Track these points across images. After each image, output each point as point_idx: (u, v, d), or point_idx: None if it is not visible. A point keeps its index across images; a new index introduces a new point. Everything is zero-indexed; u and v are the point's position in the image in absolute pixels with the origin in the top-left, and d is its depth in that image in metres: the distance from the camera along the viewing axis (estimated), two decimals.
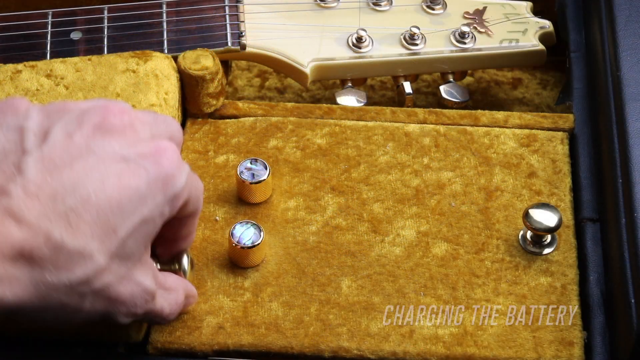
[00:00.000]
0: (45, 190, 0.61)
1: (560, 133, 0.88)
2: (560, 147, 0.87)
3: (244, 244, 0.78)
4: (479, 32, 0.94)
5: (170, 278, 0.72)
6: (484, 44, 0.93)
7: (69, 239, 0.61)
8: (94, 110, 0.66)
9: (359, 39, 0.92)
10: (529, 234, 0.81)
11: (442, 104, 0.93)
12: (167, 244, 0.73)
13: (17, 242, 0.60)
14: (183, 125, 0.89)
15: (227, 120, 0.89)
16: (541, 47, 0.94)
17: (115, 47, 0.89)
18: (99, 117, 0.65)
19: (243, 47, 0.91)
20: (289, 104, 0.90)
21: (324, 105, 0.90)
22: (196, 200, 0.70)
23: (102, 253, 0.63)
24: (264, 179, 0.82)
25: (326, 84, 1.02)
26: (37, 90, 0.85)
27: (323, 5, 0.95)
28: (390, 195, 0.84)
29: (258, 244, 0.78)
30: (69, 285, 0.62)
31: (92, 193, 0.62)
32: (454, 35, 0.93)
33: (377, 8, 0.95)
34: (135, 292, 0.66)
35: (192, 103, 0.88)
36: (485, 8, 0.96)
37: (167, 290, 0.71)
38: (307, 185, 0.84)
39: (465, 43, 0.93)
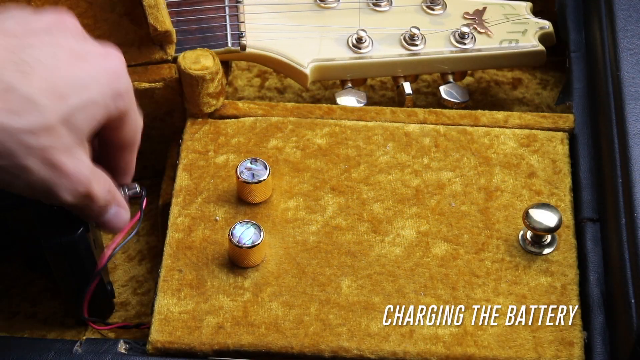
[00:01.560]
0: (1, 43, 0.66)
1: (560, 133, 0.88)
2: (560, 147, 0.87)
3: (244, 244, 0.78)
4: (479, 32, 0.94)
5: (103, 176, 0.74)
6: (483, 45, 0.93)
7: (20, 84, 0.65)
8: (52, 12, 0.71)
9: (359, 40, 0.92)
10: (529, 234, 0.81)
11: (442, 104, 0.93)
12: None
13: None
14: (183, 125, 0.89)
15: (227, 120, 0.89)
16: (541, 47, 0.94)
17: None
18: (56, 17, 0.71)
19: (243, 47, 0.91)
20: (289, 104, 0.90)
21: (324, 105, 0.90)
22: (134, 129, 0.74)
23: (51, 111, 0.66)
24: (264, 179, 0.82)
25: (326, 84, 1.02)
26: None
27: (323, 5, 0.95)
28: (390, 195, 0.84)
29: (258, 244, 0.78)
30: (17, 130, 0.65)
31: (44, 59, 0.67)
32: (454, 35, 0.93)
33: (377, 8, 0.95)
34: (79, 168, 0.69)
35: (192, 103, 0.88)
36: (485, 8, 0.96)
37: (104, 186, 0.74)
38: (307, 185, 0.84)
39: (465, 43, 0.93)
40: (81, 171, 0.69)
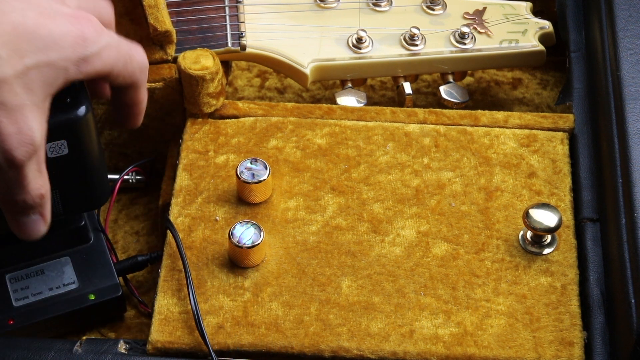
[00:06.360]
0: None
1: (560, 133, 0.88)
2: (560, 147, 0.87)
3: (244, 244, 0.78)
4: (479, 32, 0.94)
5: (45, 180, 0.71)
6: (483, 45, 0.93)
7: None
8: None
9: (359, 40, 0.92)
10: (529, 234, 0.81)
11: (442, 104, 0.93)
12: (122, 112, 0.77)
13: None
14: (183, 125, 0.89)
15: (227, 120, 0.89)
16: (541, 47, 0.94)
17: None
18: None
19: (243, 47, 0.91)
20: (289, 104, 0.90)
21: (324, 105, 0.90)
22: (128, 74, 0.73)
23: (7, 64, 0.65)
24: (264, 179, 0.82)
25: (326, 84, 1.02)
26: None
27: (323, 5, 0.95)
28: (390, 195, 0.84)
29: (258, 244, 0.78)
30: None
31: (10, 12, 0.66)
32: (454, 35, 0.93)
33: (377, 8, 0.95)
34: (16, 131, 0.66)
35: (192, 103, 0.88)
36: (485, 8, 0.96)
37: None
38: (307, 185, 0.84)
39: (465, 43, 0.93)
40: (17, 136, 0.66)
